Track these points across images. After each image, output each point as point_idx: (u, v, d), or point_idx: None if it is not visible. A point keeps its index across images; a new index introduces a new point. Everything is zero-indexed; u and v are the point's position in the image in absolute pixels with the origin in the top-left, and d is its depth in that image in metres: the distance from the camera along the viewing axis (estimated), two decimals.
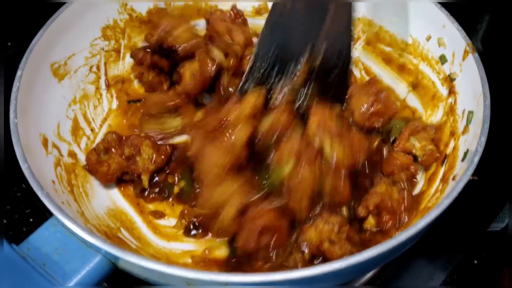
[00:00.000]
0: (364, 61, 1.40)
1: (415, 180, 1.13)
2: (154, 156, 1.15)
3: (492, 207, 1.21)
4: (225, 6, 1.43)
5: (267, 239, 0.99)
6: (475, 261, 1.15)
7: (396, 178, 1.09)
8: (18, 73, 1.06)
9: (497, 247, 1.16)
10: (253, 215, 0.99)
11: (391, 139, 1.17)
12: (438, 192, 1.05)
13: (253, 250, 0.99)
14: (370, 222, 1.06)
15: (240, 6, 1.42)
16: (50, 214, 0.93)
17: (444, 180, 1.06)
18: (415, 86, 1.31)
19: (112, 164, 1.13)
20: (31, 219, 1.19)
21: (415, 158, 1.14)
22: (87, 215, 1.06)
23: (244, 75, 1.19)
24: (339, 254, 0.95)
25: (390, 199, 1.04)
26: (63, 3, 1.20)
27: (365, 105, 1.15)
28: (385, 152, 1.15)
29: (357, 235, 1.02)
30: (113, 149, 1.15)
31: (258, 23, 1.40)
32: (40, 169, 1.01)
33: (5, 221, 1.17)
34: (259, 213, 0.99)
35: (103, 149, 1.15)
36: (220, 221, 1.01)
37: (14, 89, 1.04)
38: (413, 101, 1.30)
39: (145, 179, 1.14)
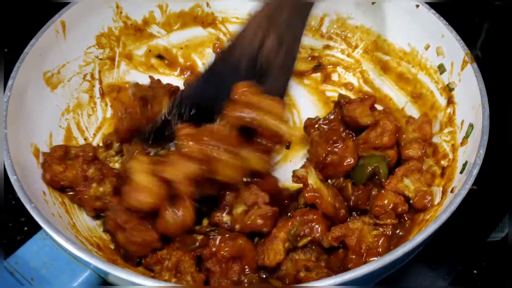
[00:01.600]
0: (361, 69, 1.38)
1: (404, 220, 1.06)
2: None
3: (492, 217, 1.19)
4: (223, 14, 1.43)
5: (237, 267, 0.96)
6: (475, 271, 1.12)
7: (381, 221, 1.02)
8: (9, 82, 1.05)
9: (497, 257, 1.14)
10: (213, 251, 0.96)
11: (382, 181, 1.09)
12: (436, 205, 1.03)
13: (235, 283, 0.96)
14: (339, 254, 1.01)
15: (235, 13, 1.42)
16: (40, 227, 0.92)
17: (443, 192, 1.04)
18: (414, 95, 1.29)
19: (68, 171, 1.05)
20: (26, 228, 1.17)
21: (407, 199, 1.06)
22: (79, 227, 1.04)
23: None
24: (316, 279, 0.92)
25: (359, 239, 0.98)
26: (59, 8, 1.19)
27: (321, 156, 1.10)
28: (374, 192, 1.07)
29: (339, 263, 0.99)
30: (81, 158, 1.07)
31: None
32: (30, 180, 1.00)
33: None
34: (218, 247, 0.96)
35: (74, 154, 1.08)
36: None
37: (4, 98, 1.03)
38: (411, 111, 1.28)
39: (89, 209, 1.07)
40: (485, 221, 1.18)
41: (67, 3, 1.20)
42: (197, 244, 0.97)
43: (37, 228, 0.92)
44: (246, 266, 0.96)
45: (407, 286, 1.11)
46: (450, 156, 1.10)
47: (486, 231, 1.18)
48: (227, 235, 0.97)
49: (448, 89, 1.19)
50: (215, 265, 0.96)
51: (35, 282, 0.83)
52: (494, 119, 1.02)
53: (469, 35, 1.18)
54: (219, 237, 0.96)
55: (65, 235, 0.85)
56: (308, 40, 1.43)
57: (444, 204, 0.99)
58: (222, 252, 0.95)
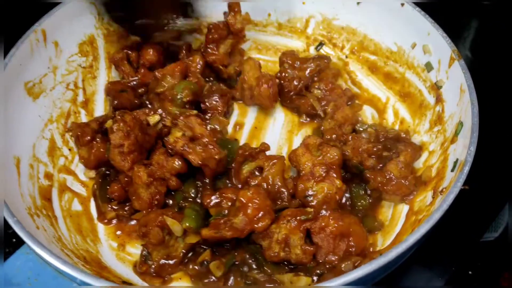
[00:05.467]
0: (349, 70, 1.37)
1: None
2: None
3: (485, 217, 1.18)
4: (208, 19, 1.41)
5: (344, 245, 0.99)
6: (470, 272, 1.11)
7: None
8: None
9: (491, 257, 1.13)
10: (322, 226, 0.98)
11: None
12: (428, 205, 1.01)
13: None
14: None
15: (221, 17, 1.40)
16: (23, 242, 0.89)
17: (434, 192, 1.03)
18: (402, 94, 1.28)
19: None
20: (14, 240, 1.13)
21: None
22: (64, 240, 1.01)
23: None
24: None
25: None
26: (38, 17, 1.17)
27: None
28: None
29: None
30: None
31: None
32: (14, 193, 0.97)
33: None
34: (327, 222, 0.98)
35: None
36: None
37: None
38: (400, 110, 1.27)
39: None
40: (478, 222, 1.17)
41: (46, 11, 1.18)
42: (310, 216, 0.99)
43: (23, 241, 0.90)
44: (353, 245, 0.98)
45: (403, 287, 1.09)
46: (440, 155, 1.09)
47: (479, 232, 1.17)
48: (338, 212, 1.00)
49: (436, 87, 1.18)
50: (323, 240, 0.98)
51: None
52: (485, 118, 1.01)
53: (458, 35, 1.17)
54: (329, 212, 0.99)
55: (49, 249, 0.82)
56: (293, 43, 1.43)
57: (436, 203, 0.98)
58: (330, 228, 0.97)
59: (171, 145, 1.07)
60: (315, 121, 1.27)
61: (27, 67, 1.14)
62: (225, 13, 1.32)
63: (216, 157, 1.06)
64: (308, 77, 1.28)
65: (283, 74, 1.28)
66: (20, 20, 1.17)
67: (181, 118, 1.09)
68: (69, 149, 1.20)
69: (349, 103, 1.29)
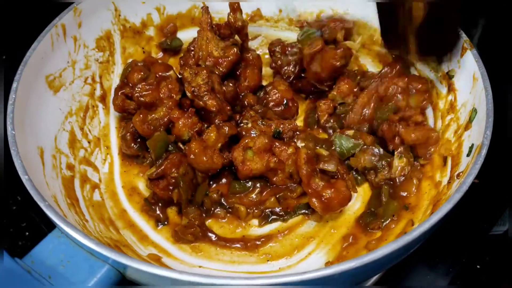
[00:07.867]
0: (360, 64, 1.39)
1: None
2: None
3: (493, 210, 1.20)
4: (220, 15, 1.43)
5: None
6: (478, 266, 1.13)
7: None
8: (14, 85, 1.05)
9: (500, 251, 1.14)
10: None
11: None
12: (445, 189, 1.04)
13: None
14: None
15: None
16: (50, 228, 0.91)
17: (450, 176, 1.06)
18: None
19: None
20: (27, 233, 1.15)
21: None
22: (89, 228, 1.03)
23: None
24: None
25: None
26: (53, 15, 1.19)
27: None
28: None
29: None
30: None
31: (251, 30, 1.40)
32: (40, 181, 0.99)
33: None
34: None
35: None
36: None
37: (10, 101, 1.02)
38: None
39: None
40: (487, 215, 1.19)
41: (65, 7, 1.21)
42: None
43: (39, 232, 0.92)
44: None
45: (409, 286, 1.11)
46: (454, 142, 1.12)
47: (488, 225, 1.19)
48: None
49: (448, 77, 1.20)
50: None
51: (53, 280, 0.82)
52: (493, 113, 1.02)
53: (465, 32, 1.19)
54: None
55: (82, 231, 0.84)
56: None
57: (452, 188, 1.00)
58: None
59: (195, 86, 1.12)
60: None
61: (48, 61, 1.16)
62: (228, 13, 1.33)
63: (229, 113, 1.16)
64: (301, 57, 1.29)
65: (278, 62, 1.31)
66: (41, 15, 1.19)
67: (205, 71, 1.14)
68: (89, 142, 1.22)
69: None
